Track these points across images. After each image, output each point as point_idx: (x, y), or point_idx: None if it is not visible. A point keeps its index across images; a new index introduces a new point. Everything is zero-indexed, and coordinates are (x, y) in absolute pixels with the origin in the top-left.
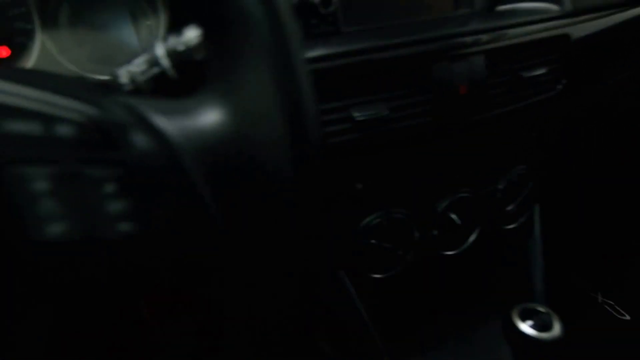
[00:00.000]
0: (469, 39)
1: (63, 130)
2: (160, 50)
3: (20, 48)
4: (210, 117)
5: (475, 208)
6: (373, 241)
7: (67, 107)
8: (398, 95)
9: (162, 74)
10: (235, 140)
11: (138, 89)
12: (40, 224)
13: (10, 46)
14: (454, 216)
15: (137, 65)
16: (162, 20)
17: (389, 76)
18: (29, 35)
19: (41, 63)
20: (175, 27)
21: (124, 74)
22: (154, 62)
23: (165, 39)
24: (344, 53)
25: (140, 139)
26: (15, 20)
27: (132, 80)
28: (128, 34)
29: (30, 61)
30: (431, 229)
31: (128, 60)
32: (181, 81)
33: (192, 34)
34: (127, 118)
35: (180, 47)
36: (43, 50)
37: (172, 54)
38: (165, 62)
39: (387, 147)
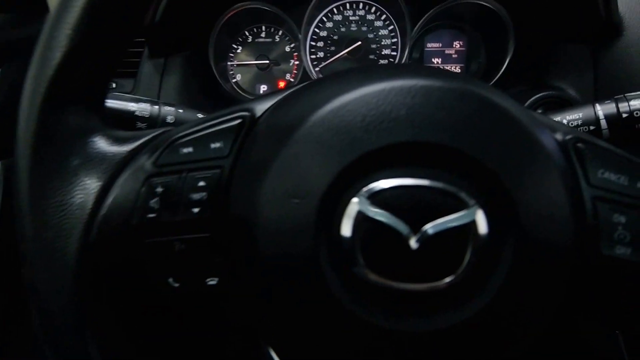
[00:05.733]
0: None
1: None
2: (600, 112)
3: None
4: None
5: None
6: None
7: None
8: None
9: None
10: None
11: None
12: None
13: None
14: None
15: (573, 119)
16: None
17: None
18: None
19: None
20: None
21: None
22: (591, 120)
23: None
24: None
25: None
26: None
27: None
28: None
29: None
30: None
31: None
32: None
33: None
34: None
35: (624, 114)
36: None
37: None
38: (604, 124)
39: None
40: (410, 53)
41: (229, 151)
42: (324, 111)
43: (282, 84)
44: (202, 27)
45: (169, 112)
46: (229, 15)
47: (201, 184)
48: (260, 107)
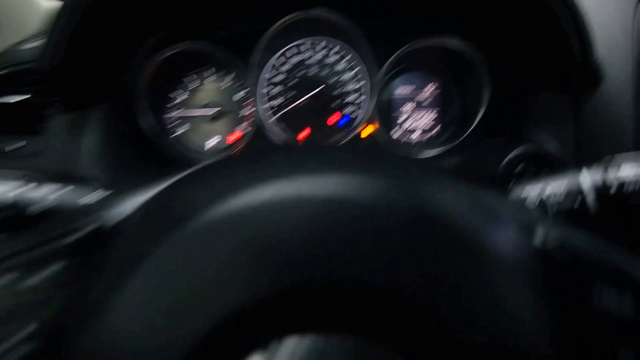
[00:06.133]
0: None
1: None
2: (586, 183)
3: None
4: None
5: None
6: None
7: None
8: None
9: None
10: None
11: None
12: None
13: None
14: None
15: (557, 189)
16: None
17: None
18: None
19: None
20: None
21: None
22: (576, 191)
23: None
24: None
25: None
26: None
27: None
28: None
29: None
30: None
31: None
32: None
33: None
34: None
35: (613, 187)
36: None
37: (600, 190)
38: (590, 198)
39: None
40: (377, 98)
41: (67, 279)
42: (193, 227)
43: (234, 137)
44: (127, 71)
45: (38, 198)
46: (164, 57)
47: (27, 330)
48: (115, 215)
